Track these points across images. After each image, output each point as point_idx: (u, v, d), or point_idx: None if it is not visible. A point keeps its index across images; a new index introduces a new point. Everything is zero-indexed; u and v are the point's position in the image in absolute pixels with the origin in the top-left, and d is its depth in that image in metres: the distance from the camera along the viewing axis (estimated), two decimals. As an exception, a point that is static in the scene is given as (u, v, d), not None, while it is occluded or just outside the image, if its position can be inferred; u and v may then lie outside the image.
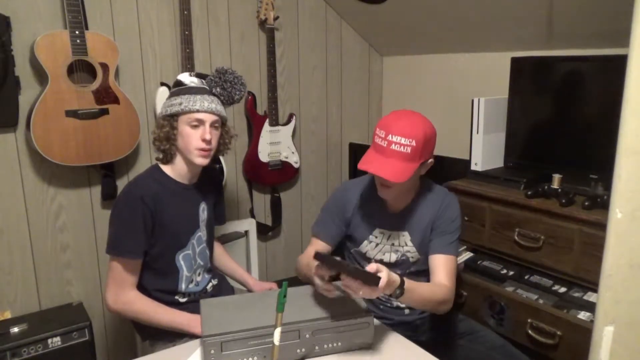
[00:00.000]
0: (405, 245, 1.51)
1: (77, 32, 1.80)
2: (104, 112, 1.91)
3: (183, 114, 1.44)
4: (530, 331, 1.61)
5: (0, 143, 1.86)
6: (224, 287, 1.71)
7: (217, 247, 1.82)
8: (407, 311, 1.56)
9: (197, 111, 1.43)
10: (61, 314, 1.91)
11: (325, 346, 1.21)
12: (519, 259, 1.81)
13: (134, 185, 1.49)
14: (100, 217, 2.10)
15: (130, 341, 2.14)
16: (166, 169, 1.52)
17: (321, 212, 1.60)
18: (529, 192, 1.75)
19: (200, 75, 1.52)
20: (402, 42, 2.74)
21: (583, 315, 1.54)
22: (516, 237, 1.77)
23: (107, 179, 2.07)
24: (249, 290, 1.76)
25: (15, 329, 1.76)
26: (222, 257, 1.83)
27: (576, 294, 1.66)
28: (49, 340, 1.75)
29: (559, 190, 1.74)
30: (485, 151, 2.03)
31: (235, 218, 2.48)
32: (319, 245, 1.55)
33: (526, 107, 1.98)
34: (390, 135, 1.33)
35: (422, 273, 1.52)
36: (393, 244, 1.52)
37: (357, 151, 2.87)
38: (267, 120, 2.45)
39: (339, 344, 1.22)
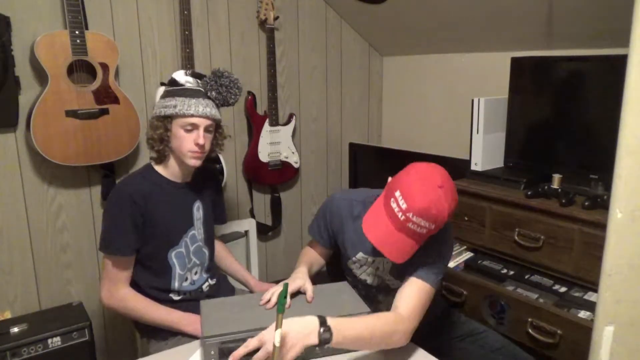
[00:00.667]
0: (388, 273, 1.44)
1: (77, 32, 1.80)
2: (104, 112, 1.91)
3: (177, 118, 1.44)
4: (530, 330, 1.61)
5: (0, 143, 1.86)
6: (223, 287, 1.70)
7: (220, 247, 1.82)
8: None
9: (192, 116, 1.43)
10: (61, 314, 1.91)
11: (326, 347, 1.21)
12: (519, 259, 1.81)
13: (123, 183, 1.52)
14: (100, 217, 2.08)
15: (130, 341, 2.14)
16: (159, 168, 1.53)
17: (315, 217, 1.56)
18: (529, 192, 1.75)
19: (195, 75, 1.50)
20: (402, 42, 2.74)
21: (583, 314, 1.54)
22: (516, 237, 1.77)
23: (107, 179, 2.07)
24: (251, 291, 1.76)
25: (15, 329, 1.76)
26: (225, 257, 1.82)
27: (576, 294, 1.66)
28: (49, 340, 1.75)
29: (559, 190, 1.74)
30: (485, 151, 2.03)
31: (235, 218, 2.48)
32: (317, 247, 1.56)
33: (526, 107, 1.98)
34: (411, 214, 1.14)
35: None
36: (378, 268, 1.44)
37: (357, 151, 2.87)
38: (267, 120, 2.45)
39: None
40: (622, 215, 0.86)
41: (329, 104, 2.81)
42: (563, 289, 1.70)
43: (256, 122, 2.44)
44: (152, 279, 1.51)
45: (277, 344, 0.97)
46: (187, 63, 2.11)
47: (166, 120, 1.45)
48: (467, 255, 2.01)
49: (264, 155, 2.47)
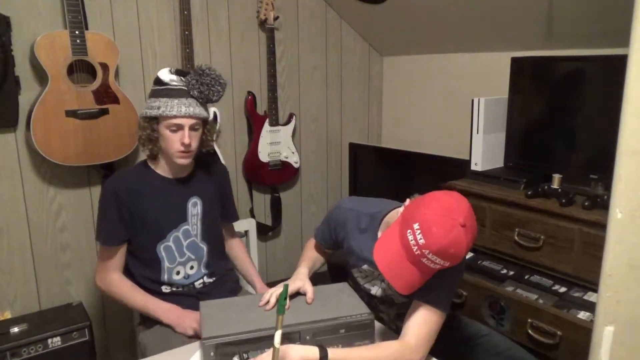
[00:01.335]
0: (390, 287, 1.35)
1: (77, 32, 1.80)
2: (104, 112, 1.91)
3: (162, 119, 1.46)
4: (530, 331, 1.61)
5: (0, 143, 1.86)
6: (222, 287, 1.67)
7: (237, 246, 1.85)
8: None
9: (175, 117, 1.44)
10: (61, 314, 1.91)
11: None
12: (519, 259, 1.81)
13: (111, 178, 1.60)
14: (100, 217, 2.10)
15: (130, 341, 2.14)
16: (152, 164, 1.58)
17: (322, 222, 1.54)
18: (529, 192, 1.75)
19: (180, 72, 1.50)
20: (402, 42, 2.74)
21: (583, 315, 1.54)
22: (516, 237, 1.77)
23: (107, 179, 2.06)
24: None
25: (15, 329, 1.76)
26: (237, 256, 1.84)
27: (576, 294, 1.66)
28: (49, 340, 1.75)
29: (559, 190, 1.74)
30: (485, 151, 2.03)
31: (235, 218, 2.48)
32: (322, 246, 1.55)
33: (526, 107, 1.98)
34: (427, 251, 1.08)
35: None
36: (383, 281, 1.39)
37: (357, 151, 2.87)
38: (267, 120, 2.45)
39: (340, 346, 1.22)
40: (622, 215, 0.86)
41: (328, 104, 2.81)
42: (563, 289, 1.70)
43: (256, 122, 2.44)
44: (143, 269, 1.57)
45: (278, 346, 0.97)
46: (187, 63, 2.11)
47: (152, 121, 1.49)
48: (467, 255, 2.00)
49: (264, 155, 2.47)
